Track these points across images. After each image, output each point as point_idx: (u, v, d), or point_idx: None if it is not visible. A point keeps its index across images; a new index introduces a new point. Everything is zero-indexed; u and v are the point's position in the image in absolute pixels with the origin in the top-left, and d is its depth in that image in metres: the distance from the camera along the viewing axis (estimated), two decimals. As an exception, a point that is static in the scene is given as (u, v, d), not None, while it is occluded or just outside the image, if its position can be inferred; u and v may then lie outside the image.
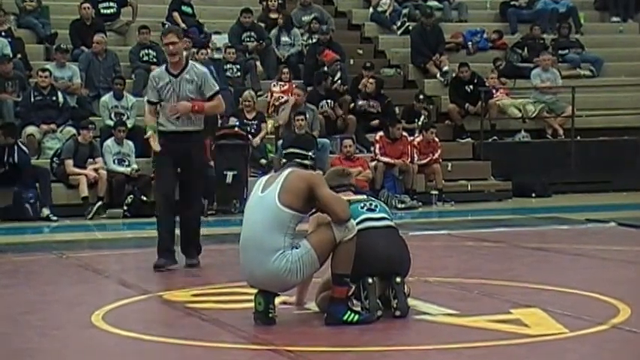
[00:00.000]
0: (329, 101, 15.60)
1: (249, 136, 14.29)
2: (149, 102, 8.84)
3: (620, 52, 18.75)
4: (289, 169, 6.26)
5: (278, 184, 6.15)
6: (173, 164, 8.69)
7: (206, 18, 17.58)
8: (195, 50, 15.96)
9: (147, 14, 17.28)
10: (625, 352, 5.68)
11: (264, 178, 6.38)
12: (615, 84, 17.62)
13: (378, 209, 6.46)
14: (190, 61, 8.85)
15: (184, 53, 8.91)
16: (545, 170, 15.76)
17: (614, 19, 19.74)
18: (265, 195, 6.17)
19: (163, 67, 8.80)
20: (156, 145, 8.63)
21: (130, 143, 14.00)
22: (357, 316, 6.15)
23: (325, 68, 16.12)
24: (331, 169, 7.03)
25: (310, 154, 6.54)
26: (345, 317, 6.13)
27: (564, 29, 18.51)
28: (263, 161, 14.47)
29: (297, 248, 6.09)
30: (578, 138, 16.35)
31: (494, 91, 16.74)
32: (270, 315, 6.19)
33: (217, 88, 8.82)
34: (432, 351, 5.62)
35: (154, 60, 15.89)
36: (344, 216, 6.10)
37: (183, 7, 17.19)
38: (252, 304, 6.35)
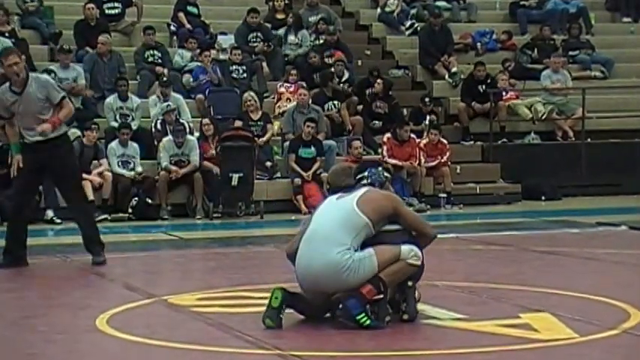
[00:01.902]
0: (335, 102, 15.53)
1: (255, 137, 14.22)
2: (1, 117, 9.17)
3: (632, 53, 18.65)
4: (366, 188, 6.36)
5: (356, 196, 6.26)
6: (37, 173, 9.13)
7: (212, 18, 17.53)
8: (199, 51, 15.92)
9: (152, 15, 17.23)
10: (636, 358, 5.65)
11: (335, 195, 6.41)
12: (626, 85, 17.50)
13: None
14: (30, 74, 9.10)
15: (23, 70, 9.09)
16: (555, 173, 15.67)
17: (626, 19, 19.63)
18: (341, 201, 6.29)
19: (6, 85, 9.03)
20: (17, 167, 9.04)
21: (135, 145, 13.95)
22: (369, 321, 6.06)
23: (332, 69, 16.06)
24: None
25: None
26: (359, 317, 6.04)
27: (575, 30, 18.41)
28: (268, 163, 14.42)
29: (361, 251, 6.14)
30: (589, 140, 16.26)
31: (504, 93, 16.64)
32: (281, 315, 6.13)
33: (63, 93, 9.18)
34: (440, 356, 5.57)
35: (159, 61, 15.86)
36: (432, 232, 6.51)
37: (189, 8, 17.13)
38: (257, 309, 6.33)
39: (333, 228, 6.17)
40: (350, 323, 6.04)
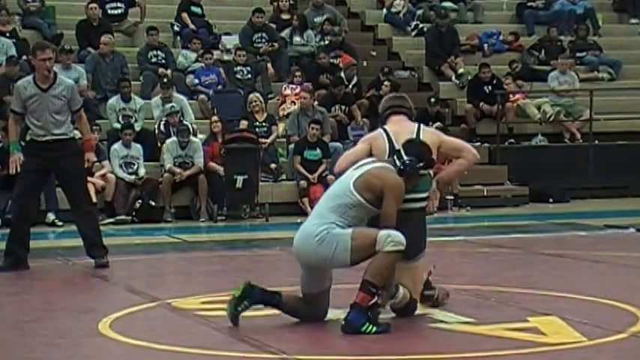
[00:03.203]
0: (343, 107, 15.45)
1: (260, 139, 14.15)
2: (13, 111, 9.06)
3: (639, 55, 18.55)
4: (379, 164, 6.32)
5: (361, 170, 6.25)
6: (43, 174, 9.13)
7: (216, 19, 17.46)
8: (202, 52, 15.87)
9: (155, 15, 17.16)
10: (646, 363, 5.62)
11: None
12: (634, 87, 17.41)
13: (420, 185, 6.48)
14: (58, 75, 9.11)
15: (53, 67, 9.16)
16: (563, 175, 15.58)
17: (633, 20, 19.54)
18: (348, 173, 6.31)
19: (30, 77, 9.02)
20: (15, 168, 8.98)
21: (138, 146, 13.88)
22: (374, 328, 6.04)
23: (342, 73, 15.96)
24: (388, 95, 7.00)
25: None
26: (364, 328, 6.03)
27: (582, 31, 18.32)
28: (273, 165, 14.35)
29: (341, 229, 6.09)
30: (597, 142, 16.18)
31: (511, 95, 16.57)
32: (239, 308, 6.27)
33: (81, 101, 9.30)
34: (447, 360, 5.53)
35: (163, 62, 15.80)
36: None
37: (193, 8, 17.06)
38: (262, 312, 6.36)
39: (324, 201, 6.28)
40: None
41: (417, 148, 6.45)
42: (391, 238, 6.02)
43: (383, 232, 6.04)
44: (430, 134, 6.76)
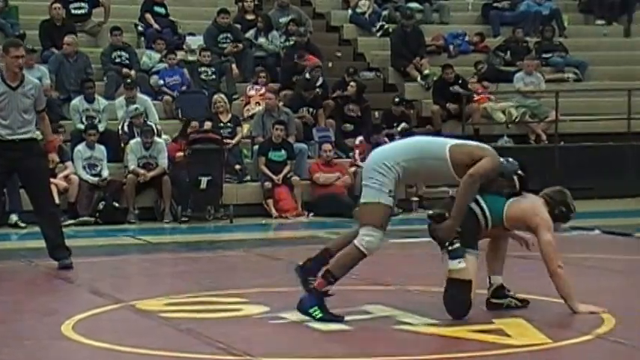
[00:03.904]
0: (310, 109, 15.43)
1: (224, 140, 14.09)
2: None
3: (605, 56, 18.67)
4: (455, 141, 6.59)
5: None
6: (6, 174, 9.14)
7: (180, 19, 17.38)
8: (166, 52, 15.78)
9: (119, 15, 17.05)
10: (610, 364, 5.64)
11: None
12: (600, 88, 17.51)
13: None
14: (24, 74, 9.06)
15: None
16: (528, 176, 15.57)
17: (599, 22, 19.64)
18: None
19: None
20: None
21: (102, 148, 13.79)
22: (321, 315, 6.28)
23: (307, 75, 15.92)
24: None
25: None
26: (312, 310, 6.30)
27: (548, 32, 18.40)
28: (238, 166, 14.30)
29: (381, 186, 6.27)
30: (562, 143, 16.23)
31: (475, 95, 16.61)
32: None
33: (45, 102, 9.32)
34: (414, 362, 5.53)
35: (127, 62, 15.71)
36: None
37: (156, 8, 16.97)
38: (227, 314, 6.38)
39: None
40: (306, 317, 6.28)
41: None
42: (367, 240, 6.28)
43: (364, 229, 6.28)
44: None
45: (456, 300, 6.45)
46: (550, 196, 6.87)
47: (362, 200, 6.39)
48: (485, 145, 6.67)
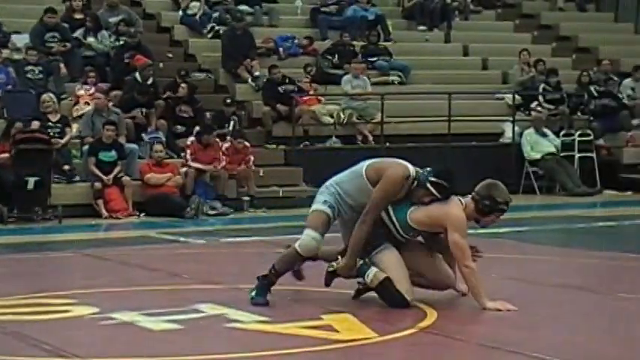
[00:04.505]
0: (142, 110, 15.30)
1: (53, 140, 13.82)
2: None
3: (427, 61, 19.18)
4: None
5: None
6: None
7: (5, 17, 16.88)
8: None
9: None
10: (432, 354, 5.85)
11: None
12: (422, 92, 18.01)
13: None
14: None
15: None
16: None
17: (421, 27, 20.19)
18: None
19: None
20: None
21: None
22: (254, 298, 6.95)
23: (137, 74, 15.78)
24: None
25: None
26: (250, 291, 7.02)
27: (373, 37, 18.80)
28: (67, 167, 14.06)
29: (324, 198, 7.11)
30: (388, 144, 16.60)
31: (305, 97, 16.82)
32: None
33: None
34: (242, 359, 5.58)
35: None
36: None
37: (-19, 6, 16.50)
38: (57, 315, 6.25)
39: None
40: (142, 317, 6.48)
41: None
42: (301, 242, 7.00)
43: (307, 232, 6.99)
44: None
45: (392, 300, 6.82)
46: (476, 192, 7.02)
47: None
48: (398, 160, 7.09)
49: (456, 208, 6.96)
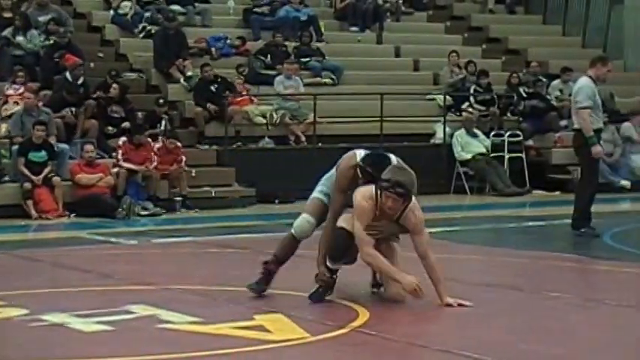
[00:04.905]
0: (72, 109, 15.15)
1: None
2: None
3: (359, 62, 19.28)
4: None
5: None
6: None
7: None
8: None
9: None
10: (363, 353, 5.90)
11: None
12: (354, 92, 18.11)
13: None
14: None
15: None
16: (289, 176, 15.95)
17: (353, 28, 20.29)
18: None
19: None
20: None
21: None
22: (252, 285, 7.23)
23: (67, 74, 15.62)
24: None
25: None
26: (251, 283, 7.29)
27: (306, 37, 18.84)
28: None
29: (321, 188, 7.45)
30: (320, 145, 16.66)
31: (237, 98, 16.81)
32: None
33: None
34: (174, 360, 5.56)
35: None
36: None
37: None
38: None
39: None
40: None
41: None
42: (297, 221, 7.29)
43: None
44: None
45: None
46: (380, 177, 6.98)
47: None
48: (357, 150, 7.32)
49: (360, 194, 6.95)
